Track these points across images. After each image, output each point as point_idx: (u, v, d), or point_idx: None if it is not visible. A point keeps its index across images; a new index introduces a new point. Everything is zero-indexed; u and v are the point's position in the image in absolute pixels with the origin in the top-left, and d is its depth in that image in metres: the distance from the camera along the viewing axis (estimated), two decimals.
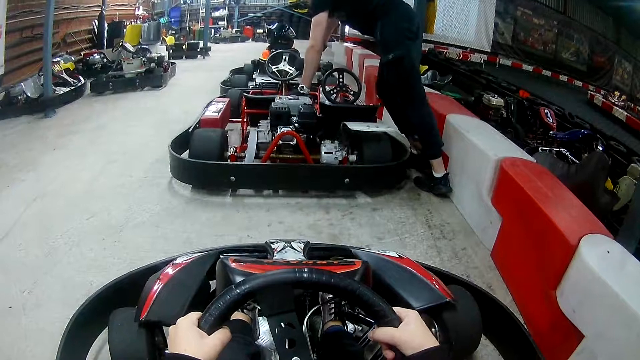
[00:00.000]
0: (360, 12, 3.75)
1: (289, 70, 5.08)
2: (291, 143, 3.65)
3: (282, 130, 3.63)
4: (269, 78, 5.52)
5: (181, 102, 7.12)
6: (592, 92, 14.58)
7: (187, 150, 3.79)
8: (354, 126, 3.66)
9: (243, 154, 3.84)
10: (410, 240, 3.16)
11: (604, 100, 13.48)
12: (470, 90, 8.96)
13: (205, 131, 3.95)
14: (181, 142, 4.04)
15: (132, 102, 7.31)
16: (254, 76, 6.64)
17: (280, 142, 3.63)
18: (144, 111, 6.59)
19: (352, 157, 3.80)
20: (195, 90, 7.95)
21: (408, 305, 1.31)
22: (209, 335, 0.84)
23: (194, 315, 0.88)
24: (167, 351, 0.96)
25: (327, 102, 4.41)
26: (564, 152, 5.49)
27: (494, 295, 1.82)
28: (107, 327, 1.39)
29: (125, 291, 1.64)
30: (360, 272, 1.21)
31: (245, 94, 4.79)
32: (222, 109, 4.74)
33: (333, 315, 1.27)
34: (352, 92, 4.79)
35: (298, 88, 3.95)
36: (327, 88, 4.57)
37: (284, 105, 3.75)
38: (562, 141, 6.17)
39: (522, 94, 9.10)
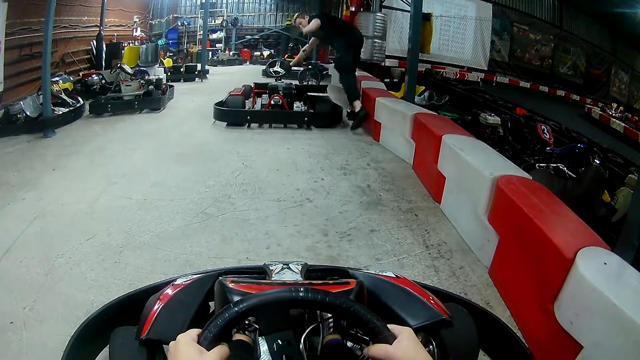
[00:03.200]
0: (333, 39, 7.11)
1: (280, 70, 8.29)
2: (278, 103, 7.10)
3: (274, 96, 7.08)
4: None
5: (180, 125, 7.22)
6: (589, 106, 14.81)
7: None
8: (312, 94, 7.55)
9: (254, 109, 7.41)
10: (408, 260, 3.20)
11: (601, 113, 13.69)
12: (468, 110, 9.05)
13: (234, 97, 7.17)
14: (217, 108, 7.06)
15: (130, 124, 7.37)
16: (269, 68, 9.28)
17: (273, 102, 7.08)
18: (143, 134, 6.64)
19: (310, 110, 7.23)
20: (193, 114, 8.02)
21: (405, 323, 1.34)
22: (208, 351, 0.86)
23: (194, 332, 0.91)
24: None
25: (298, 83, 8.47)
26: (560, 167, 5.52)
27: (491, 312, 1.85)
28: (108, 345, 1.41)
29: (126, 310, 1.68)
30: (355, 291, 1.27)
31: (254, 82, 8.27)
32: (241, 90, 7.66)
33: (332, 330, 1.29)
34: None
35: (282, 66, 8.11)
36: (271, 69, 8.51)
37: (275, 84, 7.39)
38: (559, 156, 6.18)
39: (518, 111, 9.22)
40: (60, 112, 7.37)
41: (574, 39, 17.08)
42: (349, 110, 6.96)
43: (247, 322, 1.21)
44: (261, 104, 7.39)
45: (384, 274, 1.62)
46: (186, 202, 4.07)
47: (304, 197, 4.26)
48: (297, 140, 6.15)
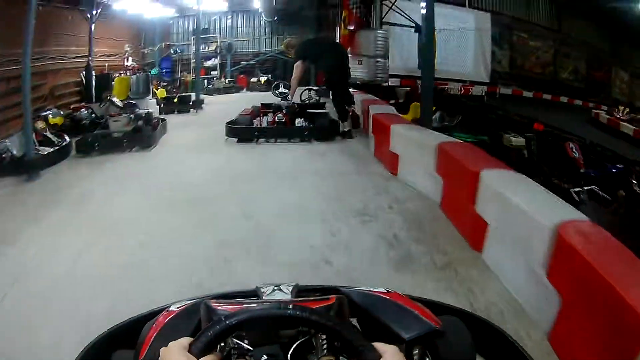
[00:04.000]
0: (316, 61, 8.31)
1: (284, 91, 8.77)
2: (282, 120, 7.93)
3: (277, 114, 7.98)
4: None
5: (172, 165, 6.64)
6: (596, 110, 14.62)
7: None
8: (311, 111, 8.18)
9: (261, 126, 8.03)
10: None
11: (609, 117, 13.49)
12: (482, 129, 8.54)
13: (243, 117, 8.04)
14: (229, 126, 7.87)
15: (118, 165, 6.77)
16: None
17: (277, 120, 7.95)
18: (131, 177, 6.04)
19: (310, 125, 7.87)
20: (187, 151, 7.48)
21: (398, 337, 1.38)
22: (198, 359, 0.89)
23: (185, 341, 0.93)
24: None
25: (299, 102, 8.86)
26: (595, 189, 5.20)
27: (487, 319, 1.80)
28: None
29: (125, 336, 1.65)
30: (335, 306, 1.30)
31: (262, 102, 8.59)
32: (250, 111, 8.29)
33: (326, 351, 1.24)
34: (314, 99, 9.57)
35: (287, 98, 8.36)
36: (302, 97, 9.50)
37: (279, 104, 8.18)
38: (594, 179, 5.79)
39: (536, 126, 8.81)
40: (46, 152, 6.94)
41: (573, 42, 16.94)
42: (343, 130, 7.93)
43: (239, 342, 1.16)
44: (267, 122, 8.07)
45: (375, 289, 1.64)
46: (175, 268, 3.54)
47: (320, 257, 3.67)
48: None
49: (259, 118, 8.19)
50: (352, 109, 8.20)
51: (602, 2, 14.62)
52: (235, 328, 0.98)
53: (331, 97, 8.24)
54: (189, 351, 0.90)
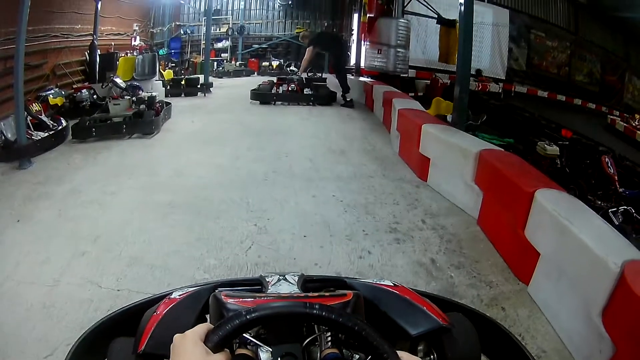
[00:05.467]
0: (323, 48, 10.60)
1: (294, 69, 12.15)
2: (294, 89, 10.33)
3: (291, 84, 10.44)
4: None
5: (174, 156, 6.08)
6: (612, 117, 14.37)
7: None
8: (315, 83, 10.82)
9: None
10: None
11: (625, 125, 13.12)
12: (506, 130, 7.93)
13: (264, 85, 10.45)
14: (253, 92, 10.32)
15: (116, 154, 6.19)
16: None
17: (290, 89, 10.32)
18: (128, 170, 5.49)
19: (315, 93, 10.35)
20: (192, 140, 6.89)
21: (405, 333, 1.36)
22: (213, 353, 0.86)
23: (201, 329, 0.90)
24: None
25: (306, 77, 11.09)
26: (630, 210, 4.69)
27: (493, 319, 1.69)
28: (106, 358, 1.39)
29: (124, 322, 1.59)
30: (352, 303, 1.28)
31: (278, 77, 11.44)
32: (268, 82, 10.67)
33: (330, 344, 1.21)
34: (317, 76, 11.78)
35: (297, 74, 10.92)
36: (306, 74, 11.27)
37: (292, 77, 10.92)
38: (629, 199, 5.36)
39: (564, 133, 8.25)
40: (39, 137, 6.42)
41: (589, 45, 16.81)
42: (346, 100, 10.24)
43: (248, 336, 1.13)
44: (282, 90, 10.49)
45: (382, 282, 1.60)
46: None
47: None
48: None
49: (275, 88, 10.62)
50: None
51: (618, 8, 14.58)
52: (256, 323, 0.96)
53: (336, 76, 10.69)
54: (204, 342, 0.87)
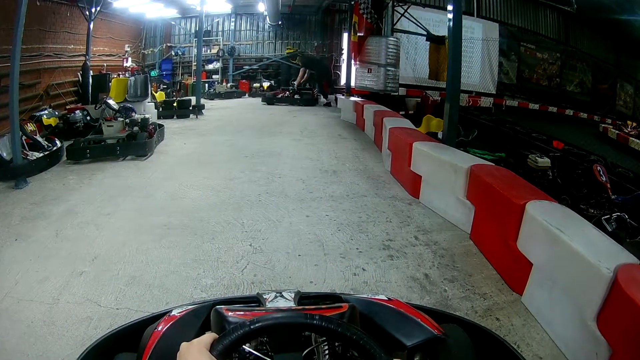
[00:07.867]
0: (312, 68, 15.50)
1: (294, 83, 15.64)
2: (288, 95, 15.40)
3: (286, 92, 15.70)
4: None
5: (168, 179, 6.07)
6: (605, 125, 14.52)
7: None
8: (302, 91, 15.46)
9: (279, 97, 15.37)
10: None
11: (618, 132, 13.29)
12: (497, 145, 8.07)
13: (269, 93, 15.98)
14: (264, 95, 15.82)
15: (110, 176, 6.22)
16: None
17: (286, 95, 15.50)
18: (123, 192, 5.53)
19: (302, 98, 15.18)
20: (185, 163, 6.92)
21: (400, 344, 1.40)
22: None
23: (207, 339, 0.94)
24: None
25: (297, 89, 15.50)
26: (623, 216, 4.78)
27: (487, 328, 1.69)
28: None
29: (126, 339, 1.61)
30: (348, 314, 1.32)
31: (281, 87, 16.70)
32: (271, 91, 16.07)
33: (327, 356, 1.23)
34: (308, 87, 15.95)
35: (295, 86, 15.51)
36: (298, 88, 15.59)
37: (289, 87, 16.03)
38: (624, 205, 5.42)
39: (555, 144, 8.55)
40: (35, 158, 6.46)
41: (579, 54, 17.00)
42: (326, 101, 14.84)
43: (248, 348, 1.16)
44: (281, 96, 15.18)
45: (376, 297, 1.62)
46: None
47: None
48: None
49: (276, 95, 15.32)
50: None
51: (607, 14, 14.59)
52: (259, 333, 0.98)
53: (317, 87, 15.69)
54: (210, 350, 0.91)
